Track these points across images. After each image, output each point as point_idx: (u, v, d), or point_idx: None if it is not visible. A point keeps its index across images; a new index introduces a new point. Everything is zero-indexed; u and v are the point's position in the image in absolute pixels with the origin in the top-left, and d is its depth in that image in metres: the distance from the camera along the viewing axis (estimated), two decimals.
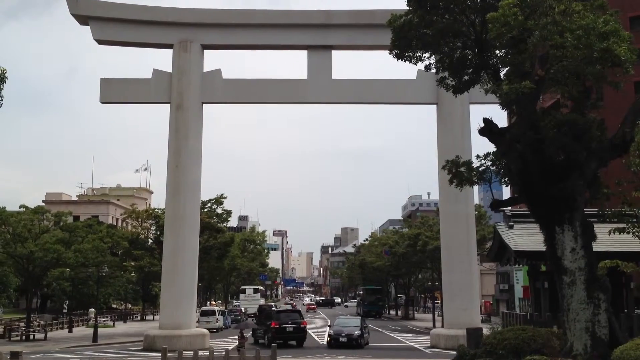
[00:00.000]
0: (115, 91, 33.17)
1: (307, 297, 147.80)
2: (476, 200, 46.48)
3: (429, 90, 31.45)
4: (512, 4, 13.38)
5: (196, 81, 32.66)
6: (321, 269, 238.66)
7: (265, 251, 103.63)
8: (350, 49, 35.72)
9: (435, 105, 32.84)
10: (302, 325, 33.90)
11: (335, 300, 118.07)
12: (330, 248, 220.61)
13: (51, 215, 44.69)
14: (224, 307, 67.61)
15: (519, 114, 14.98)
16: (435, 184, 33.40)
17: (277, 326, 33.08)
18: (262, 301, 75.97)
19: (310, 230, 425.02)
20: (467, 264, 31.39)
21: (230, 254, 62.35)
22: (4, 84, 18.78)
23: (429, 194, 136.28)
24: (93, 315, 53.60)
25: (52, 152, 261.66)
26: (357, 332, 31.65)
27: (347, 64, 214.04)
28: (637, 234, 16.22)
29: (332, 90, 32.69)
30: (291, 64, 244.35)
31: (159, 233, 50.37)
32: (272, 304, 75.61)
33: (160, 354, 16.36)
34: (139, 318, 64.81)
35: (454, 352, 17.41)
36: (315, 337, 38.64)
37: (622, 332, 15.48)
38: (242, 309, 64.64)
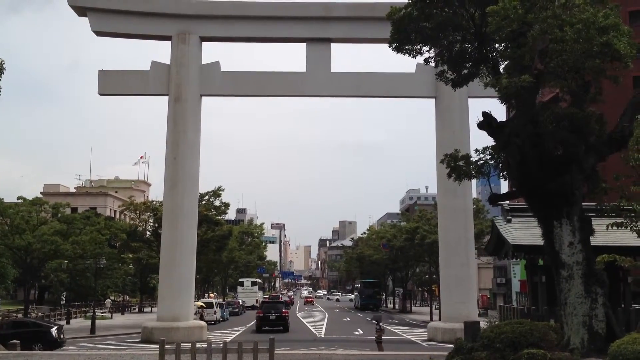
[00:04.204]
0: (114, 83, 33.04)
1: (305, 290, 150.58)
2: (474, 194, 46.49)
3: (428, 83, 31.36)
4: None
5: (194, 73, 32.55)
6: (319, 262, 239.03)
7: (263, 244, 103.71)
8: (350, 42, 35.62)
9: (434, 99, 32.77)
10: (283, 315, 37.32)
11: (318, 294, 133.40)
12: (328, 241, 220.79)
13: (49, 207, 44.81)
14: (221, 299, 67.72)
15: (518, 108, 14.96)
16: (433, 177, 33.48)
17: (261, 314, 36.88)
18: (260, 294, 76.20)
19: (308, 223, 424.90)
20: (465, 257, 31.43)
21: (228, 247, 62.38)
22: (2, 74, 18.75)
23: (427, 187, 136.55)
24: (109, 306, 53.89)
25: (51, 144, 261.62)
26: None
27: (346, 57, 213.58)
28: (635, 228, 16.27)
29: (330, 84, 32.59)
30: (290, 57, 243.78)
31: (157, 225, 50.35)
32: (279, 294, 75.98)
33: (158, 346, 16.35)
34: (136, 310, 64.99)
35: (451, 345, 17.43)
36: (313, 330, 38.76)
37: (619, 326, 15.50)
38: (240, 301, 64.80)
